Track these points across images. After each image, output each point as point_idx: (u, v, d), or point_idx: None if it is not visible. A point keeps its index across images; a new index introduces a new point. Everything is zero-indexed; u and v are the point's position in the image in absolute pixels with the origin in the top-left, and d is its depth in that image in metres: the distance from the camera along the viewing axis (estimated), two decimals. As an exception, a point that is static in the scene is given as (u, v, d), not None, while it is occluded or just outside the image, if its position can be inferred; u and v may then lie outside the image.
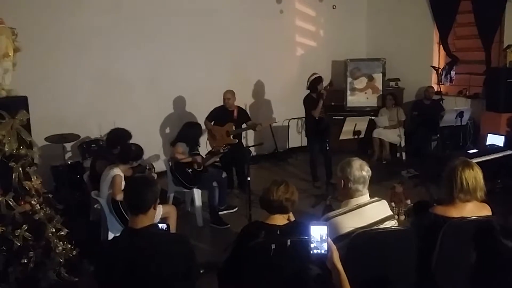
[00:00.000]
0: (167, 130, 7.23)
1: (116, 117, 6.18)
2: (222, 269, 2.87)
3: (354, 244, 2.49)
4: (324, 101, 6.21)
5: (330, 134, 6.18)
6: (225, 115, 6.17)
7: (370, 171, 2.75)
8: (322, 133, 6.18)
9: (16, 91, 3.91)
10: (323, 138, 6.14)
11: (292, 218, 2.80)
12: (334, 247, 2.08)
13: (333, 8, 8.66)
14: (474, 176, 2.67)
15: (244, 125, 6.33)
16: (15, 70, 3.90)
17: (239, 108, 6.32)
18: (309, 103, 6.31)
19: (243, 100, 7.50)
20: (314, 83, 6.26)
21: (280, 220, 2.70)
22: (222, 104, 6.18)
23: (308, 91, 6.37)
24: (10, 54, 3.78)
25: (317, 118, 6.22)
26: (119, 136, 4.82)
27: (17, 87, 3.93)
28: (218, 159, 5.81)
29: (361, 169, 2.70)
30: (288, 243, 2.52)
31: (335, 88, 8.46)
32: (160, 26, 6.94)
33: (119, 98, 6.70)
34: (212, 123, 6.22)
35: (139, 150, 4.55)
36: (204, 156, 5.53)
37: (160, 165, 6.31)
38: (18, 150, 3.51)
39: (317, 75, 6.34)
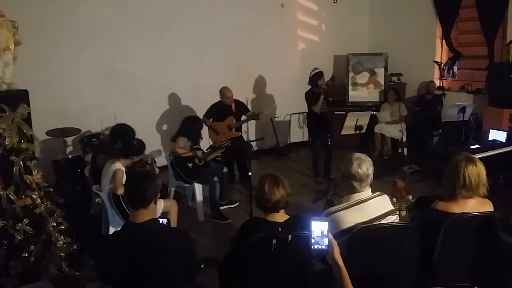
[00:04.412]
0: (168, 125, 7.21)
1: (117, 111, 6.18)
2: (223, 264, 2.87)
3: (355, 239, 2.49)
4: (326, 96, 6.18)
5: (333, 129, 6.16)
6: (223, 111, 6.14)
7: (372, 168, 2.73)
8: (324, 128, 6.17)
9: (17, 85, 3.89)
10: (325, 133, 6.13)
11: None
12: (334, 243, 2.07)
13: (334, 2, 8.64)
14: (477, 173, 2.66)
15: (244, 117, 6.32)
16: (15, 64, 3.87)
17: (236, 101, 6.28)
18: (310, 98, 6.28)
19: (245, 94, 7.47)
20: (315, 78, 6.23)
21: (280, 216, 2.69)
22: (219, 100, 6.14)
23: (310, 86, 6.34)
24: (10, 47, 3.75)
25: (318, 113, 6.20)
26: (122, 132, 4.81)
27: (17, 81, 3.91)
28: (219, 154, 5.80)
29: (360, 166, 2.68)
30: (289, 238, 2.52)
31: (337, 83, 8.46)
32: (162, 21, 6.92)
33: (120, 92, 6.68)
34: (211, 120, 6.19)
35: (141, 145, 4.55)
36: (206, 151, 5.53)
37: (161, 160, 6.31)
38: (19, 144, 3.50)
39: (318, 70, 6.31)
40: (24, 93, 3.85)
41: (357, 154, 2.76)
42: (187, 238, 2.56)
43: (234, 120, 6.20)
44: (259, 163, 7.39)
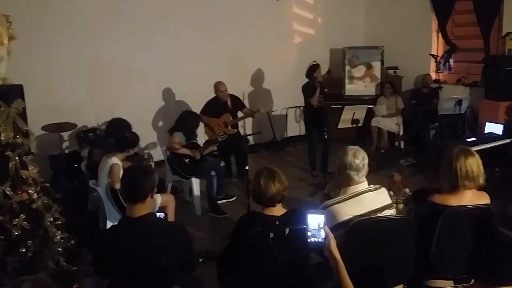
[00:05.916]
0: (165, 120, 7.18)
1: (113, 106, 6.15)
2: (220, 258, 2.87)
3: (352, 232, 2.49)
4: (322, 89, 6.17)
5: (329, 123, 6.16)
6: (219, 107, 6.10)
7: (367, 158, 2.73)
8: (321, 122, 6.17)
9: (12, 80, 3.87)
10: (322, 127, 6.13)
11: None
12: (331, 235, 2.07)
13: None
14: (476, 163, 2.68)
15: (241, 114, 6.29)
16: (10, 59, 3.85)
17: (231, 96, 6.25)
18: (306, 91, 6.27)
19: (241, 89, 7.45)
20: (311, 70, 6.22)
21: (277, 210, 2.69)
22: (215, 96, 6.10)
23: (308, 79, 6.33)
24: (4, 42, 3.73)
25: (315, 106, 6.19)
26: (118, 126, 4.79)
27: (12, 76, 3.89)
28: (215, 148, 5.79)
29: (356, 156, 2.69)
30: (287, 231, 2.52)
31: (333, 77, 8.46)
32: (158, 16, 6.87)
33: (116, 87, 6.64)
34: (207, 117, 6.16)
35: (134, 138, 4.53)
36: (202, 145, 5.52)
37: (158, 155, 6.29)
38: (14, 139, 3.48)
39: (315, 63, 6.29)
40: (19, 88, 3.83)
41: (351, 146, 2.77)
42: (184, 232, 2.57)
43: (230, 117, 6.17)
44: (256, 157, 7.38)
